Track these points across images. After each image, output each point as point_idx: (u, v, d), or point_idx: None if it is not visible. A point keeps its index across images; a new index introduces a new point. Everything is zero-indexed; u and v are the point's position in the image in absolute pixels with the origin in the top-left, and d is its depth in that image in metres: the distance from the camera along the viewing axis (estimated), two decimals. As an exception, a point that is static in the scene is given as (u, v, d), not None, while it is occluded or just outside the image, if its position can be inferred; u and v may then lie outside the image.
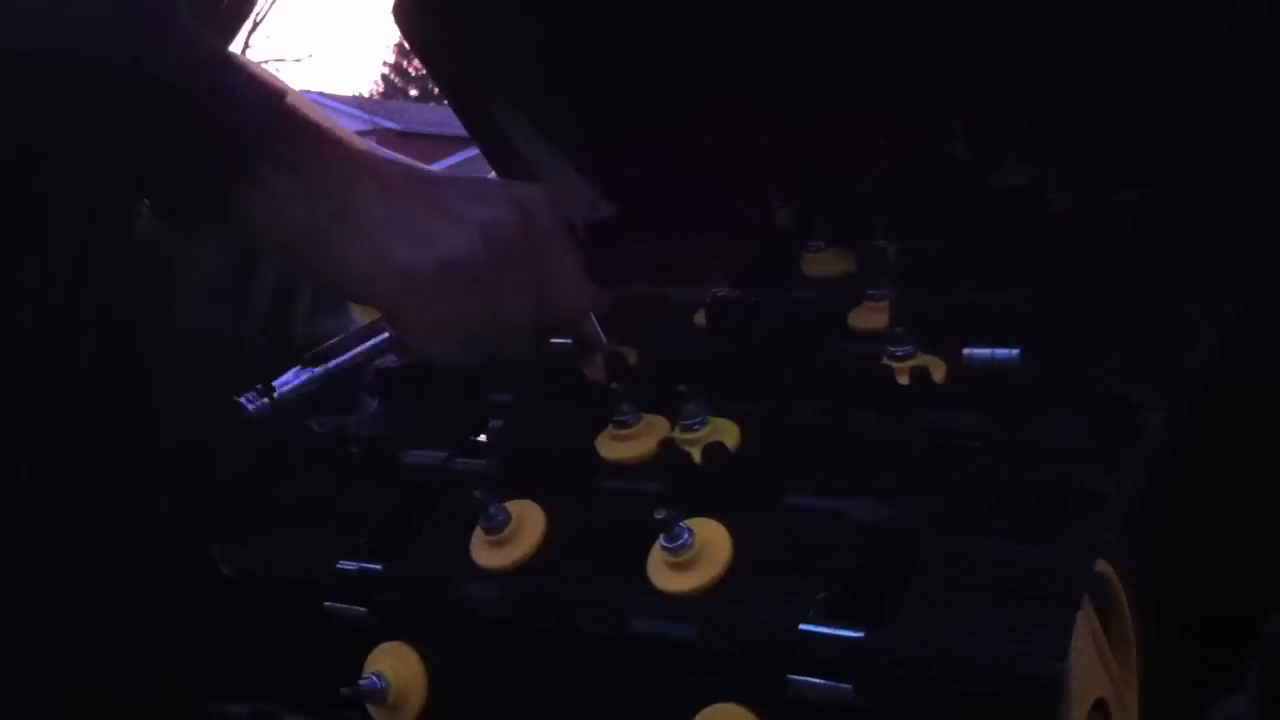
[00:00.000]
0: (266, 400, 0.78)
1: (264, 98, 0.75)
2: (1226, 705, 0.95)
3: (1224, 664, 0.95)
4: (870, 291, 0.86)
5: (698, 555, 0.70)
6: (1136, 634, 0.75)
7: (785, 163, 1.13)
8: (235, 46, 1.13)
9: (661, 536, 0.70)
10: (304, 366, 0.81)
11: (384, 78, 30.49)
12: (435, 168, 2.04)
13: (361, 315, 1.18)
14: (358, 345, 0.82)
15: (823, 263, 0.94)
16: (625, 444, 0.79)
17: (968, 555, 0.67)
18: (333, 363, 0.82)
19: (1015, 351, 0.75)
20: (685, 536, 0.70)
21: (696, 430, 0.77)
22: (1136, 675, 0.75)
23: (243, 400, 0.78)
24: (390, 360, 0.93)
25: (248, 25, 1.11)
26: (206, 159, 0.74)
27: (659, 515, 0.70)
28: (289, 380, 0.80)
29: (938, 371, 0.77)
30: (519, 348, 0.81)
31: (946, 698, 0.62)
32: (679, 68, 1.12)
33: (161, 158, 0.74)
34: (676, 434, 0.77)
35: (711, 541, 0.71)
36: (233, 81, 0.75)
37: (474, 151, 1.31)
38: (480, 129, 1.20)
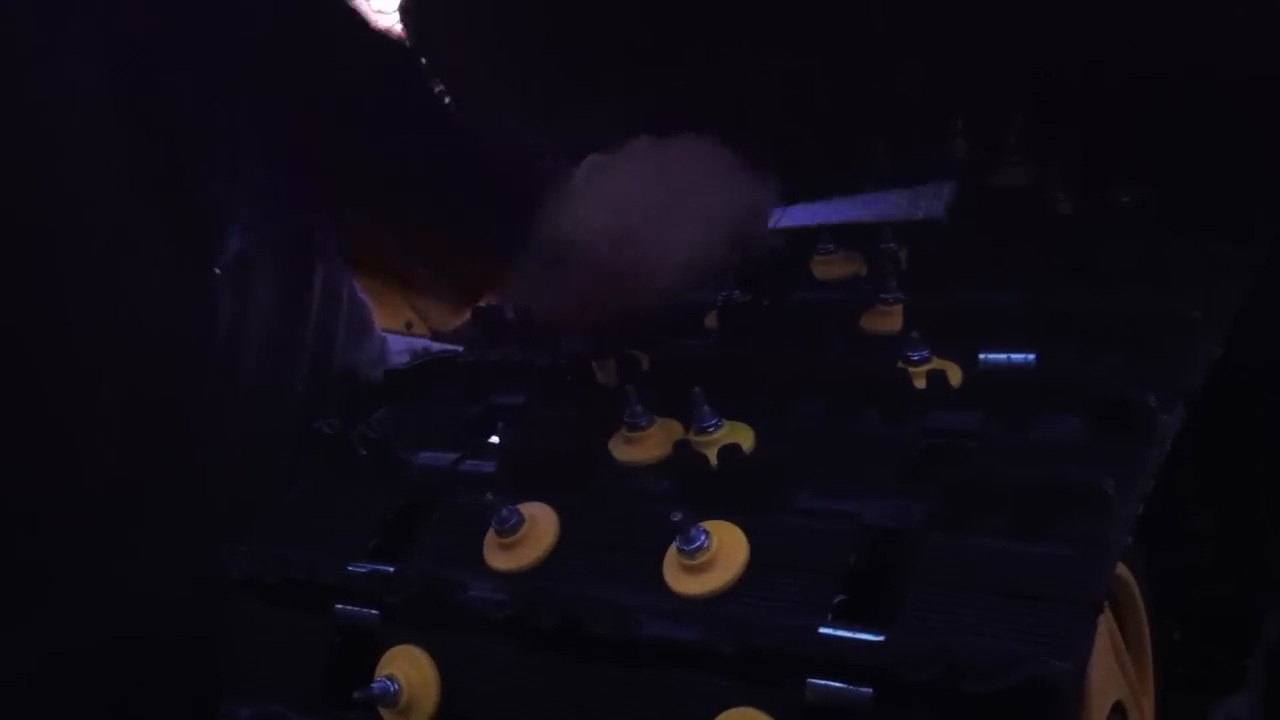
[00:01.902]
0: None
1: None
2: (1227, 705, 0.96)
3: (1224, 664, 0.96)
4: (882, 295, 0.86)
5: (714, 558, 0.70)
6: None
7: (786, 163, 1.13)
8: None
9: (677, 539, 0.70)
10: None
11: (384, 78, 30.28)
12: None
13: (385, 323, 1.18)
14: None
15: (832, 265, 0.94)
16: (638, 446, 0.79)
17: (980, 556, 0.67)
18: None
19: (1032, 356, 0.75)
20: (701, 539, 0.70)
21: (711, 433, 0.77)
22: (1151, 676, 0.76)
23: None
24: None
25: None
26: None
27: (675, 518, 0.69)
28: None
29: (954, 376, 0.77)
30: None
31: (961, 699, 0.62)
32: (681, 67, 1.12)
33: None
34: (692, 436, 0.77)
35: (727, 544, 0.70)
36: None
37: (474, 151, 1.30)
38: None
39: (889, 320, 0.85)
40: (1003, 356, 0.77)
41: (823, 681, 0.65)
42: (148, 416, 1.02)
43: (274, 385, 1.07)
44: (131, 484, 1.00)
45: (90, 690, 0.99)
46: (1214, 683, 0.96)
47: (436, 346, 1.18)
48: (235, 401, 1.06)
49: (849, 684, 0.64)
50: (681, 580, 0.70)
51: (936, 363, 0.78)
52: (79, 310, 0.98)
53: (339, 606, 0.80)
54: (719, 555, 0.70)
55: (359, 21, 0.92)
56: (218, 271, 0.95)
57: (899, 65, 1.06)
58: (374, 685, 0.75)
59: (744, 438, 0.77)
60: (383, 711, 0.76)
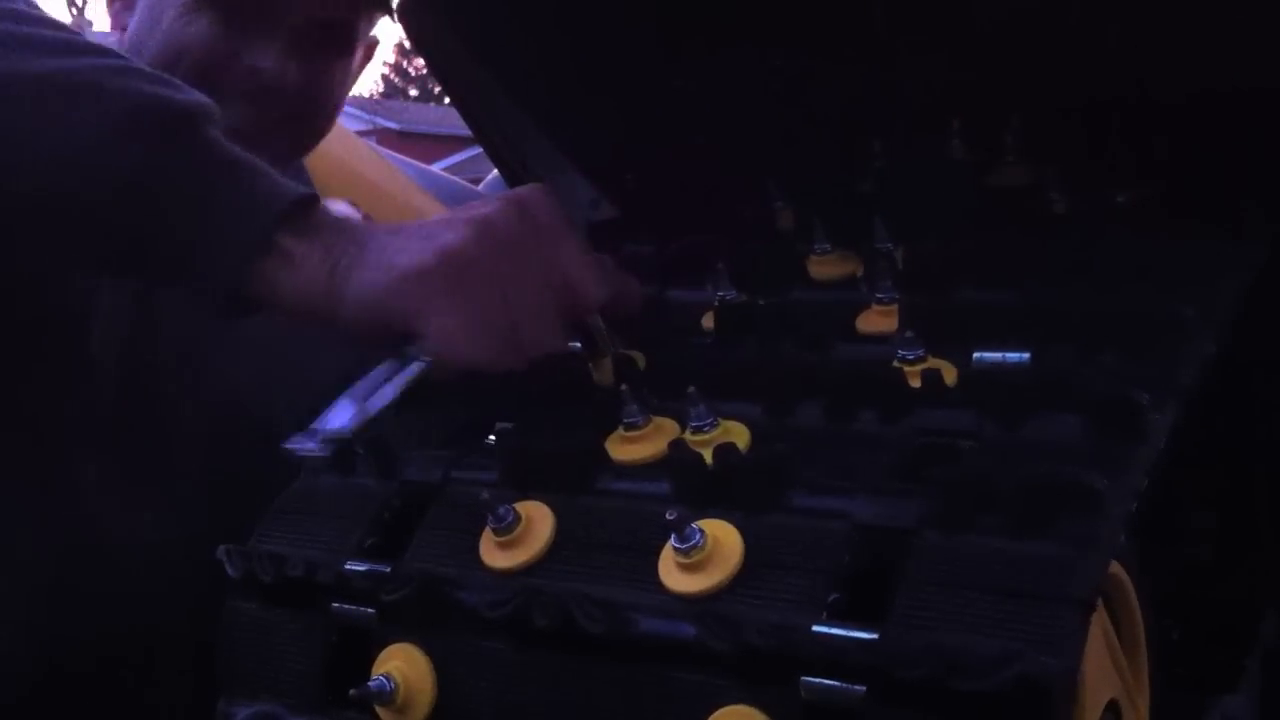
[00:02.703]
0: (313, 445, 0.78)
1: (280, 188, 0.79)
2: (1224, 705, 0.96)
3: (1222, 664, 0.96)
4: (878, 295, 0.86)
5: (709, 556, 0.70)
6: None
7: (785, 163, 1.13)
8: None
9: (673, 537, 0.70)
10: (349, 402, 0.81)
11: (384, 78, 30.27)
12: (435, 168, 2.04)
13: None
14: (398, 377, 0.82)
15: (828, 265, 0.94)
16: (634, 445, 0.79)
17: (973, 555, 0.67)
18: (377, 399, 0.81)
19: (1026, 355, 0.76)
20: (697, 537, 0.70)
21: (707, 431, 0.77)
22: (1146, 675, 0.76)
23: (292, 445, 0.78)
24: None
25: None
26: (230, 242, 0.77)
27: (670, 516, 0.70)
28: (336, 421, 0.80)
29: (949, 375, 0.77)
30: (545, 340, 0.81)
31: (954, 698, 0.62)
32: (681, 67, 1.12)
33: (180, 248, 0.78)
34: (687, 435, 0.77)
35: (722, 542, 0.71)
36: (251, 177, 0.79)
37: (474, 151, 1.31)
38: (482, 128, 1.20)
39: (885, 320, 0.85)
40: (997, 356, 0.77)
41: (816, 679, 0.65)
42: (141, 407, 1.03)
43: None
44: (127, 480, 1.01)
45: (88, 690, 0.99)
46: (1211, 682, 0.96)
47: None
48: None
49: (843, 682, 0.65)
50: (677, 578, 0.71)
51: (931, 362, 0.78)
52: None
53: (335, 605, 0.81)
54: (714, 554, 0.70)
55: None
56: None
57: (899, 65, 1.06)
58: (370, 683, 0.76)
59: (739, 437, 0.77)
60: (379, 709, 0.77)
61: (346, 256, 0.79)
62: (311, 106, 1.12)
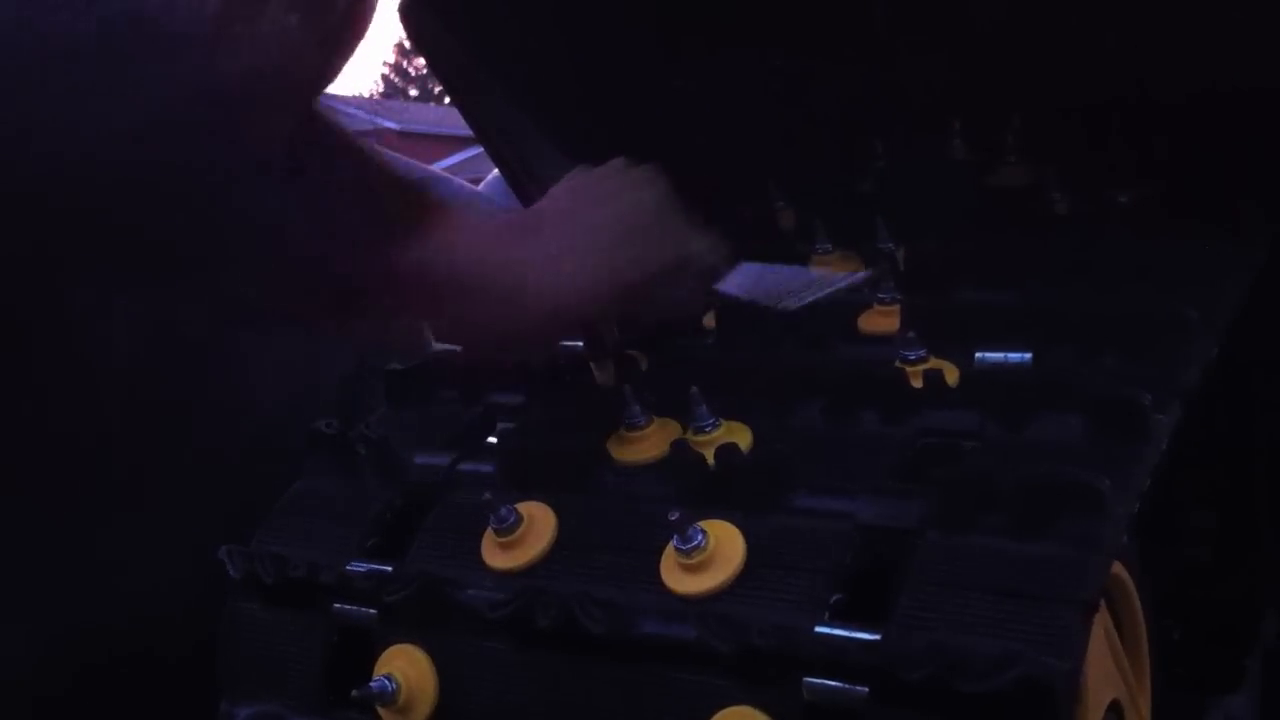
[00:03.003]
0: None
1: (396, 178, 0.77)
2: (1225, 705, 0.96)
3: (1223, 664, 0.96)
4: (879, 295, 0.86)
5: (711, 557, 0.70)
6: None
7: (786, 163, 1.13)
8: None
9: (675, 538, 0.70)
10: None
11: (384, 78, 30.21)
12: (435, 168, 2.04)
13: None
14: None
15: (830, 265, 0.94)
16: (636, 445, 0.79)
17: (975, 555, 0.67)
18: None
19: (1028, 356, 0.76)
20: (699, 538, 0.70)
21: (709, 432, 0.77)
22: (1148, 675, 0.76)
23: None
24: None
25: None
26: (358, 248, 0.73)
27: (672, 517, 0.70)
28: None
29: (951, 375, 0.77)
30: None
31: (956, 699, 0.62)
32: (681, 67, 1.12)
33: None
34: (689, 435, 0.77)
35: (724, 543, 0.71)
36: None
37: (474, 151, 1.31)
38: (482, 128, 1.20)
39: (887, 320, 0.86)
40: (999, 356, 0.77)
41: (819, 680, 0.65)
42: (150, 413, 1.04)
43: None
44: (130, 482, 1.01)
45: (89, 691, 0.99)
46: (1212, 682, 0.96)
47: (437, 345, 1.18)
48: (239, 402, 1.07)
49: (845, 683, 0.65)
50: (679, 579, 0.71)
51: (933, 362, 0.78)
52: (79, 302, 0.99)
53: (337, 606, 0.81)
54: (716, 554, 0.70)
55: None
56: None
57: (899, 65, 1.06)
58: (372, 684, 0.76)
59: (741, 437, 0.77)
60: (381, 710, 0.77)
61: (518, 228, 0.80)
62: (342, 36, 1.10)
